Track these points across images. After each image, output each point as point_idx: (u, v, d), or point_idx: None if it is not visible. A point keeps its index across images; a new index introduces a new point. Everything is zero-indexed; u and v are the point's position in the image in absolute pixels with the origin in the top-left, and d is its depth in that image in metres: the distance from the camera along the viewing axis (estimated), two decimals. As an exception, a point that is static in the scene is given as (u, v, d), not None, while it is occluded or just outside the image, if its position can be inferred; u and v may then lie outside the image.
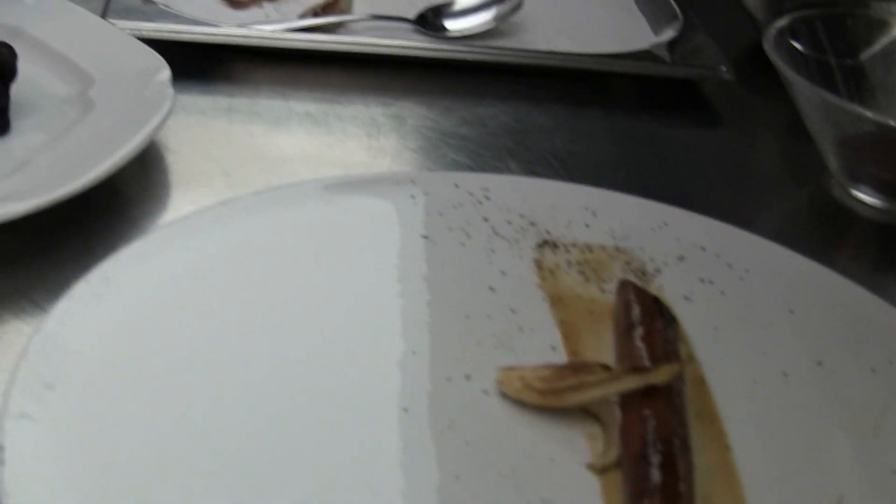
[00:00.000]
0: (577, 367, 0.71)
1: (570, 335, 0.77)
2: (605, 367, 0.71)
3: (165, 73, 0.93)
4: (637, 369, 0.70)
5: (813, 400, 0.75)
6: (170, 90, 0.90)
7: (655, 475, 0.63)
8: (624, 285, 0.79)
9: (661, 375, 0.69)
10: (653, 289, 0.82)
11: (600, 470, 0.67)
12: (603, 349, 0.76)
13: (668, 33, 1.22)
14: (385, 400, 0.70)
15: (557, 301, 0.80)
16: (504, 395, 0.71)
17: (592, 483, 0.66)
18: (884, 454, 0.71)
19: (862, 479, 0.69)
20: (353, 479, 0.64)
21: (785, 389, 0.76)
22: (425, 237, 0.83)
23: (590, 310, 0.79)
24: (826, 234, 1.02)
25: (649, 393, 0.68)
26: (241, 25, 1.11)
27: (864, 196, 1.03)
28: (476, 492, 0.65)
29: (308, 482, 0.63)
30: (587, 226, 0.88)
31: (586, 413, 0.71)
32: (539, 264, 0.83)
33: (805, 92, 0.99)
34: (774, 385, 0.76)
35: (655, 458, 0.64)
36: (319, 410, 0.68)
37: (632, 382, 0.69)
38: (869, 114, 0.96)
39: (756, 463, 0.69)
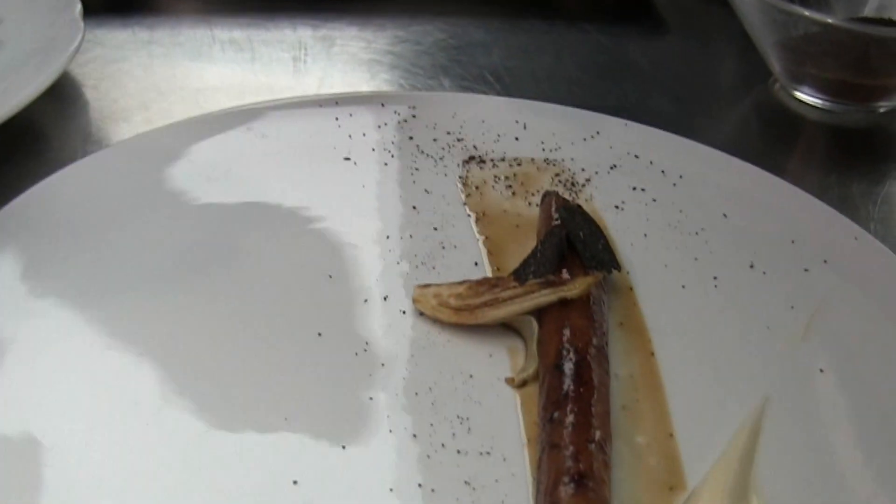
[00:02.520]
0: (492, 283, 0.69)
1: (494, 251, 0.76)
2: (521, 282, 0.69)
3: (76, 7, 0.91)
4: (550, 282, 0.68)
5: (742, 303, 0.74)
6: (80, 24, 0.88)
7: (568, 385, 0.62)
8: (547, 196, 0.77)
9: (574, 289, 0.67)
10: (582, 199, 0.80)
11: (519, 384, 0.65)
12: (527, 262, 0.74)
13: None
14: (300, 326, 0.68)
15: (482, 217, 0.78)
16: (422, 314, 0.69)
17: (512, 397, 0.65)
18: (812, 354, 0.70)
19: (789, 380, 0.68)
20: (265, 404, 0.63)
21: (715, 294, 0.74)
22: (347, 159, 0.82)
23: (516, 224, 0.78)
24: (773, 137, 1.00)
25: (566, 305, 0.67)
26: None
27: (808, 97, 1.01)
28: (391, 412, 0.63)
29: (222, 409, 0.62)
30: (517, 139, 0.86)
31: (508, 328, 0.69)
32: (464, 181, 0.81)
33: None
34: (704, 290, 0.74)
35: (569, 369, 0.63)
36: (230, 341, 0.67)
37: (545, 297, 0.67)
38: (805, 12, 0.94)
39: (681, 369, 0.68)
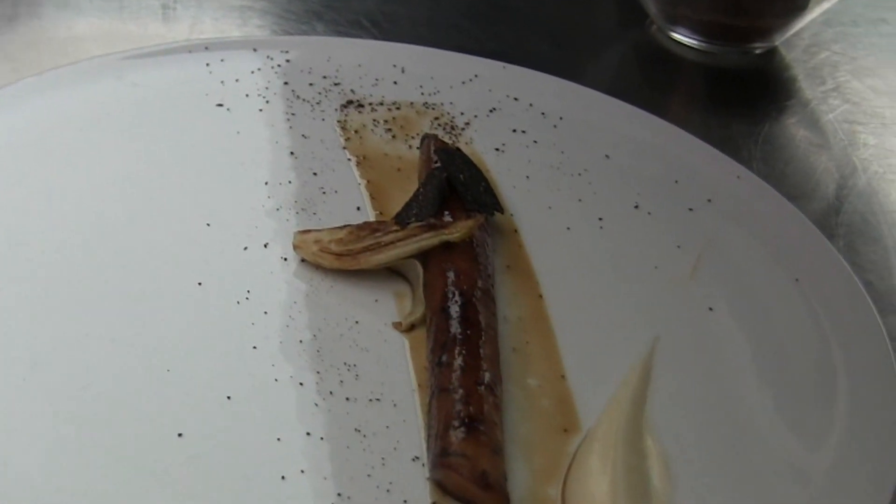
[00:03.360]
0: (373, 227, 0.68)
1: (376, 195, 0.74)
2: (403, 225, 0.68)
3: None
4: (432, 226, 0.67)
5: (629, 244, 0.73)
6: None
7: (455, 327, 0.61)
8: (426, 139, 0.76)
9: (456, 231, 0.66)
10: (462, 142, 0.79)
11: (406, 328, 0.64)
12: (410, 206, 0.73)
13: None
14: (178, 275, 0.66)
15: (363, 160, 0.77)
16: (304, 261, 0.68)
17: (400, 343, 0.64)
18: (701, 293, 0.70)
19: (678, 319, 0.68)
20: (146, 356, 0.61)
21: (600, 235, 0.74)
22: (220, 105, 0.79)
23: (397, 168, 0.77)
24: (652, 79, 1.00)
25: (450, 248, 0.66)
26: None
27: (685, 39, 1.00)
28: (276, 361, 0.62)
29: (101, 363, 0.60)
30: (395, 83, 0.84)
31: (393, 272, 0.68)
32: (343, 125, 0.80)
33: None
34: (590, 231, 0.74)
35: (455, 311, 0.62)
36: (108, 293, 0.65)
37: (427, 240, 0.66)
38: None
39: (569, 311, 0.67)
